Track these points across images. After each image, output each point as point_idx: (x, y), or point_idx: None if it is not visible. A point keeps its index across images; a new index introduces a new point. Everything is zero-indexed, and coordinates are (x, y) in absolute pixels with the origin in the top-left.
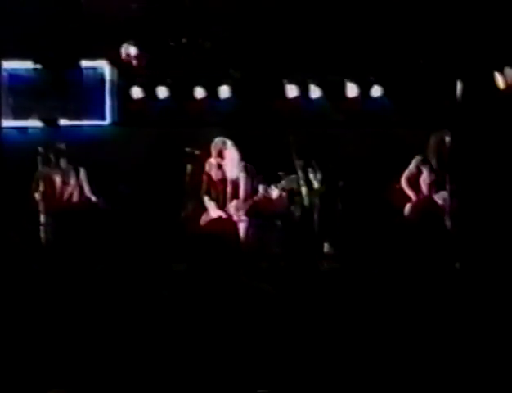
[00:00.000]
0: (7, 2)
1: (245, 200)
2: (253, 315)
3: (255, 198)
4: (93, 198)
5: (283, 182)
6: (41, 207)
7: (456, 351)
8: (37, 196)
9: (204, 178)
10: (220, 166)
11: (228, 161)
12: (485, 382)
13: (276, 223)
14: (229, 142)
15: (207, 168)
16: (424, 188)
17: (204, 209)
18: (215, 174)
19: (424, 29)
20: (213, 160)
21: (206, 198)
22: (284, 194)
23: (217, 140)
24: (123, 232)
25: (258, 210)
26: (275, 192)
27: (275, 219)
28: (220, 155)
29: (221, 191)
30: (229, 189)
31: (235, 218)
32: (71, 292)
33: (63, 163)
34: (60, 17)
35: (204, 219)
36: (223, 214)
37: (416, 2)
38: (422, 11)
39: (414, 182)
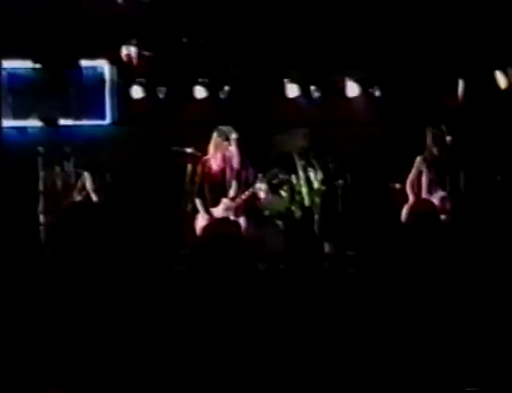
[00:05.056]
0: (7, 2)
1: (235, 198)
2: (253, 315)
3: (243, 196)
4: (95, 198)
5: (267, 175)
6: (41, 207)
7: (456, 351)
8: (39, 196)
9: (197, 179)
10: (223, 157)
11: (232, 151)
12: (484, 381)
13: (276, 224)
14: (233, 132)
15: (202, 166)
16: (424, 188)
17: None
18: (215, 165)
19: (425, 28)
20: (215, 152)
21: (198, 201)
22: (271, 191)
23: (219, 131)
24: (123, 232)
25: (247, 209)
26: (263, 188)
27: (275, 219)
28: (223, 145)
29: (219, 184)
30: (228, 180)
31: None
32: (71, 292)
33: (66, 165)
34: (60, 17)
35: (198, 222)
36: (210, 219)
37: (416, 1)
38: (422, 10)
39: (416, 184)
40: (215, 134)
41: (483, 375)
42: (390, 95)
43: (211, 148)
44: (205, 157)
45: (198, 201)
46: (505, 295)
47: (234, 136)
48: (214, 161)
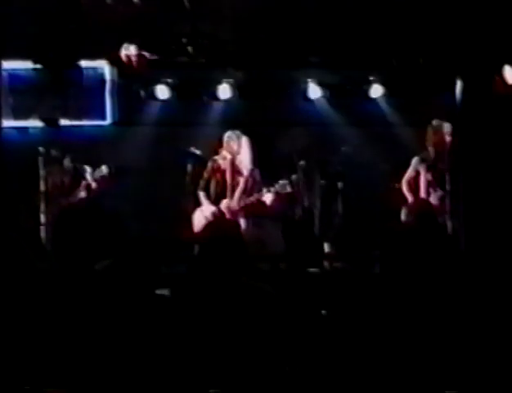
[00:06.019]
0: (8, 3)
1: (239, 200)
2: (253, 316)
3: (247, 201)
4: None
5: (276, 186)
6: (42, 207)
7: (457, 352)
8: (39, 196)
9: (205, 175)
10: (232, 160)
11: (242, 155)
12: (485, 382)
13: (276, 224)
14: (244, 137)
15: (211, 164)
16: (422, 189)
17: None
18: (224, 168)
19: (424, 28)
20: (225, 154)
21: (202, 194)
22: (277, 198)
23: (231, 134)
24: (123, 232)
25: (251, 212)
26: (269, 196)
27: (275, 219)
28: (233, 148)
29: (224, 186)
30: (233, 184)
31: (228, 216)
32: (71, 292)
33: (67, 164)
34: (60, 17)
35: (197, 216)
36: (216, 212)
37: (416, 1)
38: (422, 10)
39: (413, 184)
40: (226, 137)
41: (482, 377)
42: (390, 95)
43: (221, 150)
44: (214, 158)
45: (202, 194)
46: (506, 296)
47: (245, 140)
48: (222, 163)
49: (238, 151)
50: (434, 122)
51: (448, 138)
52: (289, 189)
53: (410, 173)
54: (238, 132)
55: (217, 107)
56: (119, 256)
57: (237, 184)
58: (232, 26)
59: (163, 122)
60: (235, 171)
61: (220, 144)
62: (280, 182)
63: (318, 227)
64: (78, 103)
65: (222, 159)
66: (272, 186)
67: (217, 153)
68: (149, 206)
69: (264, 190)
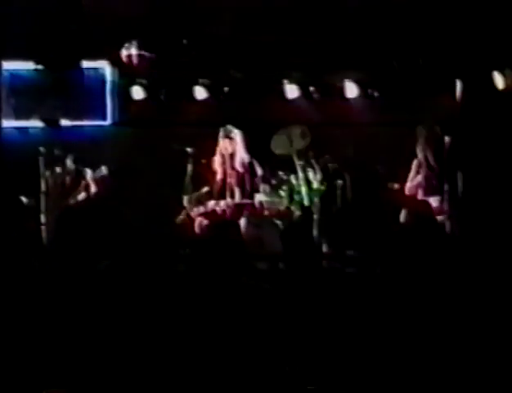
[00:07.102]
0: (9, 4)
1: (240, 200)
2: (253, 315)
3: (243, 201)
4: (94, 189)
5: (268, 201)
6: (43, 207)
7: (455, 352)
8: (40, 196)
9: (209, 174)
10: (227, 158)
11: (237, 151)
12: (483, 383)
13: (275, 223)
14: (236, 131)
15: (208, 165)
16: (422, 190)
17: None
18: (221, 167)
19: (424, 29)
20: (221, 152)
21: (203, 195)
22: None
23: (223, 132)
24: (123, 232)
25: (247, 212)
26: (265, 201)
27: (274, 219)
28: (228, 146)
29: (227, 184)
30: (230, 182)
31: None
32: (72, 291)
33: (68, 164)
34: (61, 18)
35: (199, 213)
36: (217, 209)
37: (416, 2)
38: (421, 11)
39: (415, 186)
40: (220, 136)
41: (482, 375)
42: (389, 95)
43: (216, 150)
44: (210, 157)
45: (203, 195)
46: (503, 296)
47: (239, 136)
48: (217, 162)
49: (232, 148)
50: (421, 126)
51: (446, 140)
52: (281, 208)
53: (411, 173)
54: (230, 128)
55: (218, 107)
56: (119, 256)
57: (235, 183)
58: (232, 27)
59: (164, 122)
60: (232, 169)
61: (215, 143)
62: (272, 199)
63: (317, 227)
64: (79, 103)
65: (218, 158)
66: (270, 183)
67: (213, 153)
68: (149, 206)
69: (261, 193)
